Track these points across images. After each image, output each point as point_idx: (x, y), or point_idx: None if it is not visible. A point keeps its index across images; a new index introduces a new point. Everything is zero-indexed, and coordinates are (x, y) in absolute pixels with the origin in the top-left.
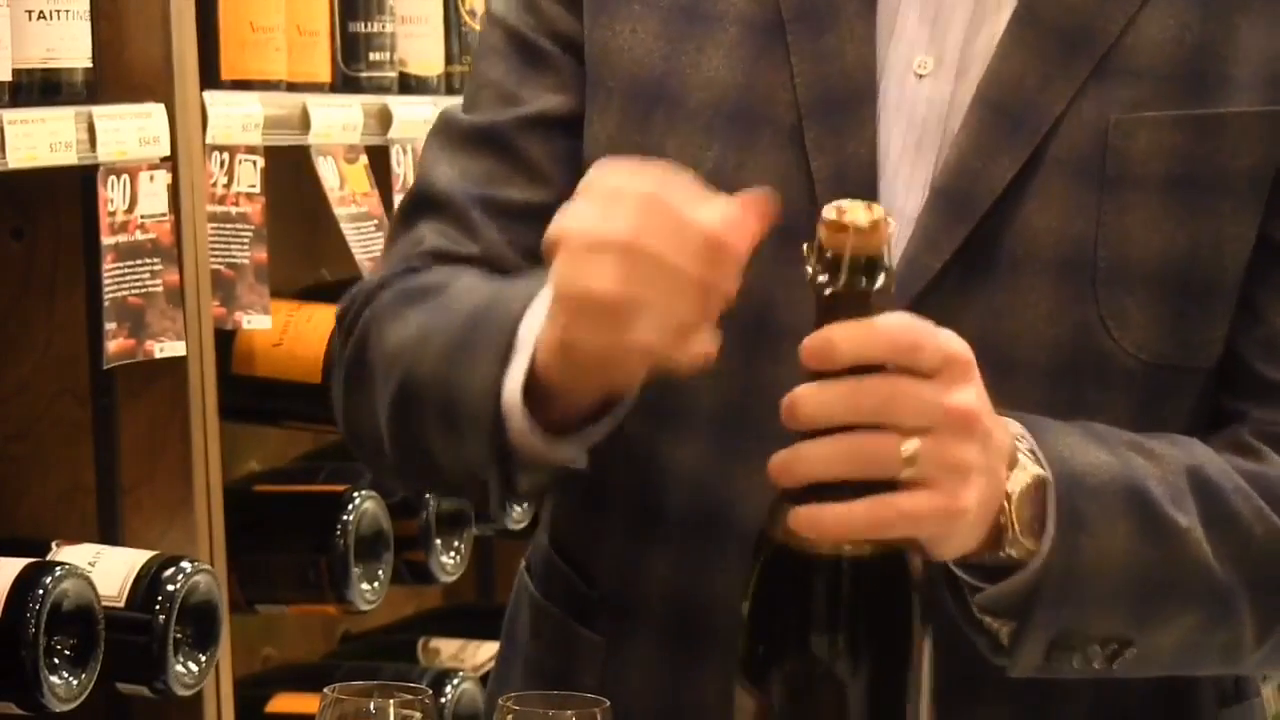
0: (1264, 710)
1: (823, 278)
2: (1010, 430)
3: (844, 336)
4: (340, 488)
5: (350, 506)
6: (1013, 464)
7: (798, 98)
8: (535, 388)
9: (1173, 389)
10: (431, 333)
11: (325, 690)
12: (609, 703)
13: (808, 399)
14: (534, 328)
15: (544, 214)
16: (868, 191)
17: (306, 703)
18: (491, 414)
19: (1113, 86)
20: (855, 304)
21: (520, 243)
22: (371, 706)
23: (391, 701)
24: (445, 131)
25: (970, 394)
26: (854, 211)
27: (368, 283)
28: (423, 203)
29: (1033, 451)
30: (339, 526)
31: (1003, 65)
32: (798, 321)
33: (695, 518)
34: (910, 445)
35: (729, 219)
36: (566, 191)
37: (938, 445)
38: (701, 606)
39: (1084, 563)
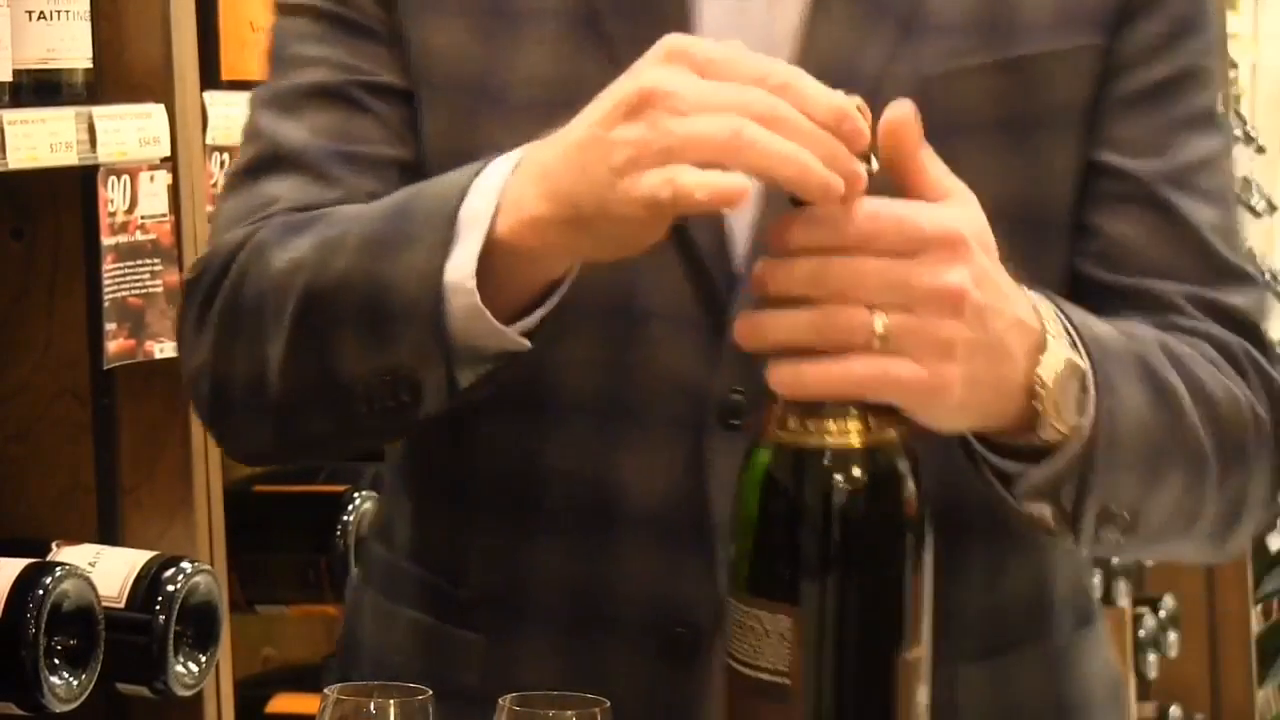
0: (1106, 633)
1: None
2: (1039, 310)
3: (794, 222)
4: (340, 488)
5: (350, 506)
6: (1041, 346)
7: None
8: (482, 274)
9: None
10: (338, 238)
11: (325, 690)
12: (609, 702)
13: (774, 270)
14: (479, 207)
15: (409, 173)
16: None
17: (307, 703)
18: (433, 299)
19: (922, 44)
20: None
21: (387, 195)
22: (372, 707)
23: (392, 702)
24: (276, 100)
25: (957, 273)
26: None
27: (219, 244)
28: (269, 162)
29: (1066, 329)
30: (339, 526)
31: (814, 39)
32: (659, 304)
33: (581, 508)
34: (881, 319)
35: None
36: (421, 162)
37: (919, 322)
38: (600, 595)
39: (1118, 427)
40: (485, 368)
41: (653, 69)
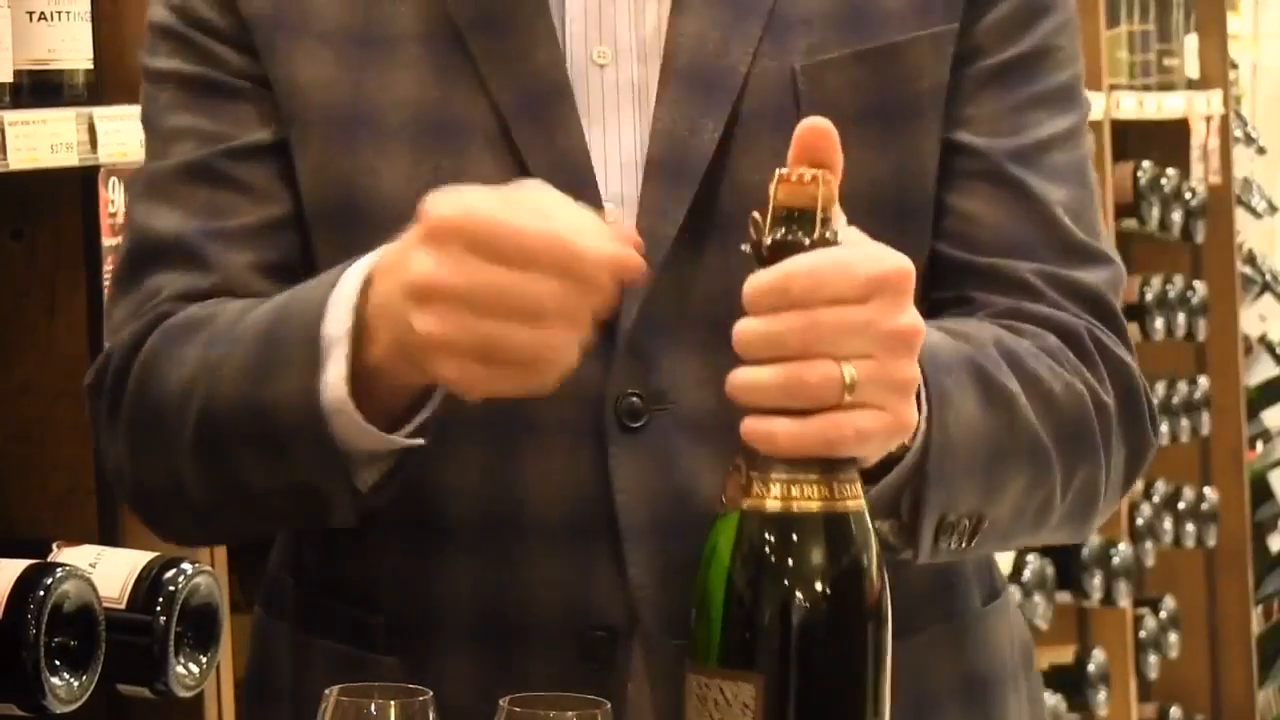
0: (1013, 602)
1: (776, 236)
2: None
3: (750, 287)
4: None
5: None
6: None
7: (496, 103)
8: (357, 381)
9: None
10: (219, 361)
11: (325, 691)
12: (609, 704)
13: (741, 333)
14: (338, 328)
15: (280, 229)
16: (587, 181)
17: None
18: (315, 420)
19: (788, 37)
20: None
21: (263, 261)
22: (372, 708)
23: (392, 703)
24: (148, 185)
25: (910, 312)
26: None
27: (115, 346)
28: (147, 255)
29: None
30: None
31: (681, 37)
32: None
33: (486, 522)
34: (850, 371)
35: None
36: (296, 208)
37: (880, 368)
38: (514, 606)
39: (952, 437)
40: (383, 466)
41: (422, 256)
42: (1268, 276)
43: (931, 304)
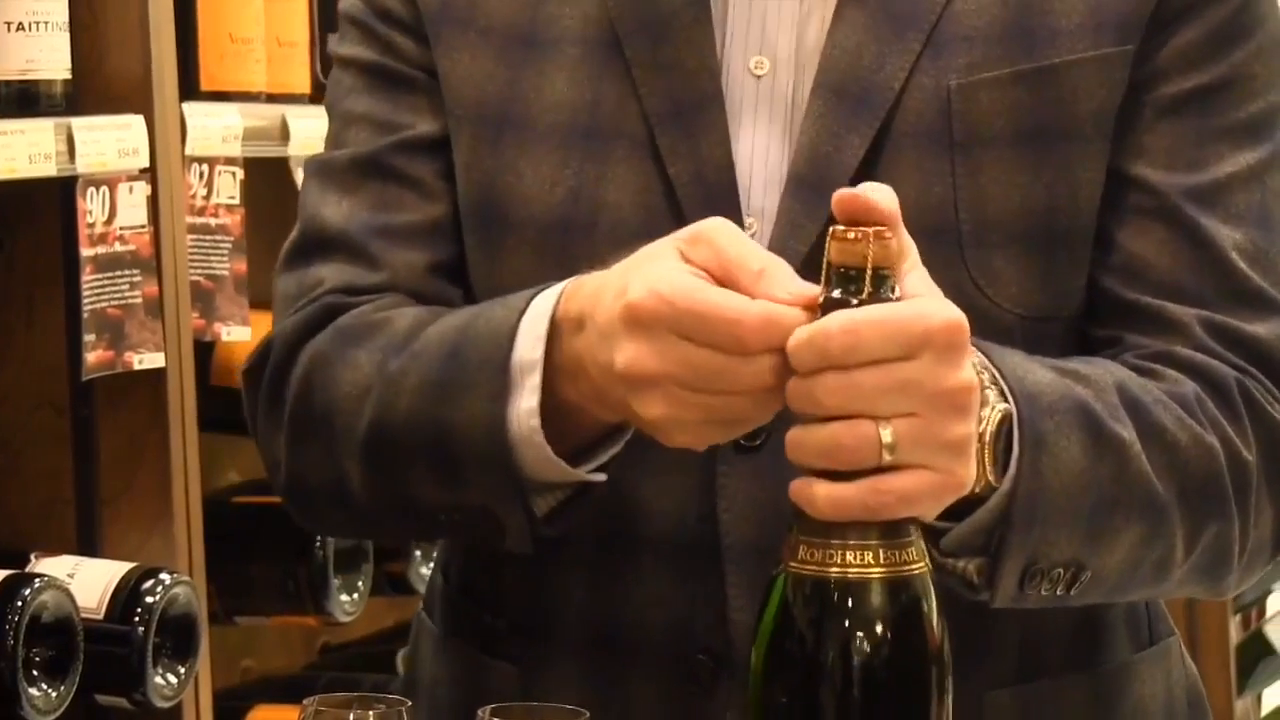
0: (1180, 651)
1: (829, 293)
2: (974, 360)
3: (791, 344)
4: None
5: None
6: (982, 400)
7: (645, 109)
8: (545, 412)
9: (1049, 338)
10: (398, 374)
11: (305, 701)
12: (589, 713)
13: (788, 390)
14: (528, 356)
15: (445, 228)
16: (728, 191)
17: (286, 714)
18: (501, 448)
19: (947, 54)
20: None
21: (429, 261)
22: (351, 718)
23: (371, 713)
24: (322, 172)
25: (959, 369)
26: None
27: (276, 334)
28: (313, 244)
29: (995, 381)
30: (318, 538)
31: (835, 50)
32: None
33: (599, 537)
34: (887, 432)
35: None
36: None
37: (927, 427)
38: (622, 623)
39: (1046, 483)
40: (560, 495)
41: (629, 347)
42: None
43: (1087, 340)
